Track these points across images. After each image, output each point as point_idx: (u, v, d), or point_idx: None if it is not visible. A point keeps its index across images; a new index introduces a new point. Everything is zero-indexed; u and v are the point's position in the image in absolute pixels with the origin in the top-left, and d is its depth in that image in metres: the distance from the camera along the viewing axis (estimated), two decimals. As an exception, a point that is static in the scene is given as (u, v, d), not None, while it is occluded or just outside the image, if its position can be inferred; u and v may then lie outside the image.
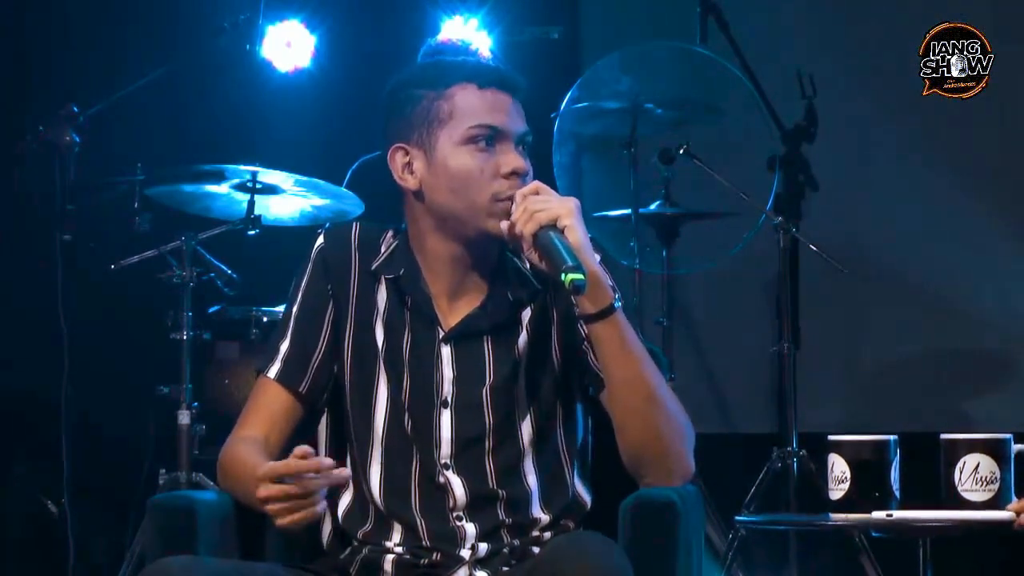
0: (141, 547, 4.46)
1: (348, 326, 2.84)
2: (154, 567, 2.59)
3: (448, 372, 2.80)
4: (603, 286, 2.70)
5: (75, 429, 4.84)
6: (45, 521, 4.93)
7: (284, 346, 2.86)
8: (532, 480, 2.80)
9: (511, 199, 2.74)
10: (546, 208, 2.68)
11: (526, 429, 2.80)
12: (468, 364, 2.80)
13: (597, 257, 2.78)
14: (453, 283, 2.82)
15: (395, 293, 2.83)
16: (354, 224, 2.91)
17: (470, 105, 2.76)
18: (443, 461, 2.78)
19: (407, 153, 2.82)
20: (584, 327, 2.76)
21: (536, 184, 2.74)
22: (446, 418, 2.79)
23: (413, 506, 2.78)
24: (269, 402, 2.83)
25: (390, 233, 2.89)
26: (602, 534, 2.67)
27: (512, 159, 2.76)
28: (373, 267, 2.85)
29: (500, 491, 2.77)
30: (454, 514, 2.77)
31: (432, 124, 2.78)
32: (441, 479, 2.77)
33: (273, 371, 2.84)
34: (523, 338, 2.82)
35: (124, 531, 4.77)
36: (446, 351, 2.81)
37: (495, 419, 2.79)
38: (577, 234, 2.67)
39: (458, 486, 2.77)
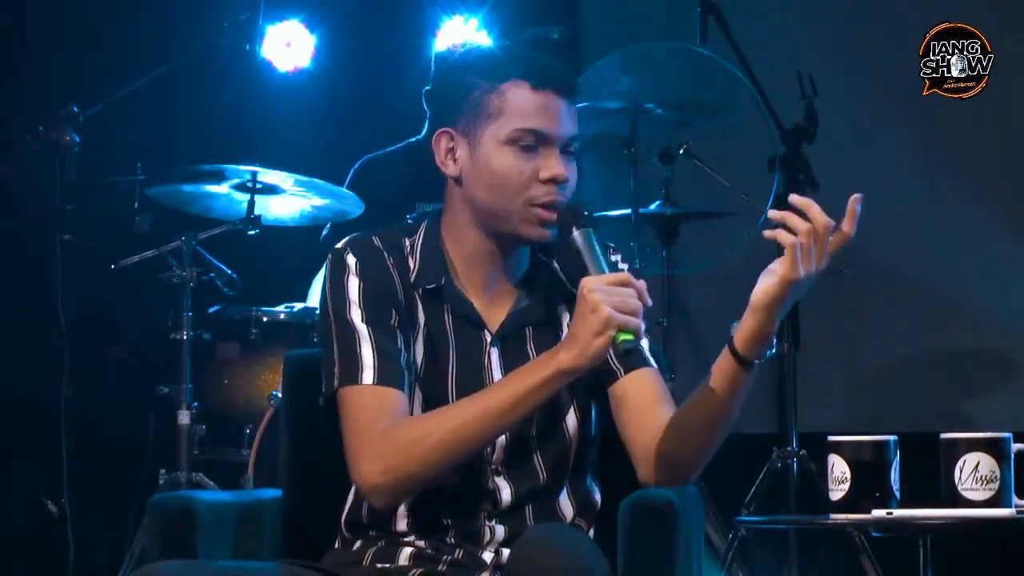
0: (141, 547, 4.46)
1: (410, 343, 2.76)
2: (150, 569, 2.54)
3: (498, 375, 2.74)
4: (769, 342, 2.62)
5: (75, 429, 4.85)
6: (45, 521, 4.94)
7: (367, 353, 2.68)
8: (566, 481, 2.77)
9: (545, 205, 2.69)
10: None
11: (571, 429, 2.77)
12: (516, 364, 2.72)
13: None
14: (488, 280, 2.77)
15: (434, 305, 2.76)
16: (373, 238, 2.80)
17: (521, 105, 2.70)
18: (494, 466, 2.73)
19: (452, 139, 2.75)
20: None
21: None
22: None
23: (443, 514, 2.72)
24: (387, 404, 2.67)
25: (406, 239, 2.80)
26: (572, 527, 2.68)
27: (553, 165, 2.70)
28: (412, 280, 2.77)
29: (545, 492, 2.73)
30: (487, 516, 2.72)
31: (480, 116, 2.72)
32: (490, 484, 2.73)
33: (368, 378, 2.67)
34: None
35: (124, 531, 4.77)
36: (495, 353, 2.76)
37: (542, 419, 2.74)
38: None
39: (506, 491, 2.73)
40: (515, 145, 2.70)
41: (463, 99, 2.74)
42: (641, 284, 2.58)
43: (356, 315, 2.71)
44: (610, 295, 2.55)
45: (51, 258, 4.81)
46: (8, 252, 5.28)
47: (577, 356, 2.57)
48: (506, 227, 2.72)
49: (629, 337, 2.55)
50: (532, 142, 2.70)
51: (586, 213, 2.67)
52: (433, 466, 2.63)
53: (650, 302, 2.59)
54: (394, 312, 2.73)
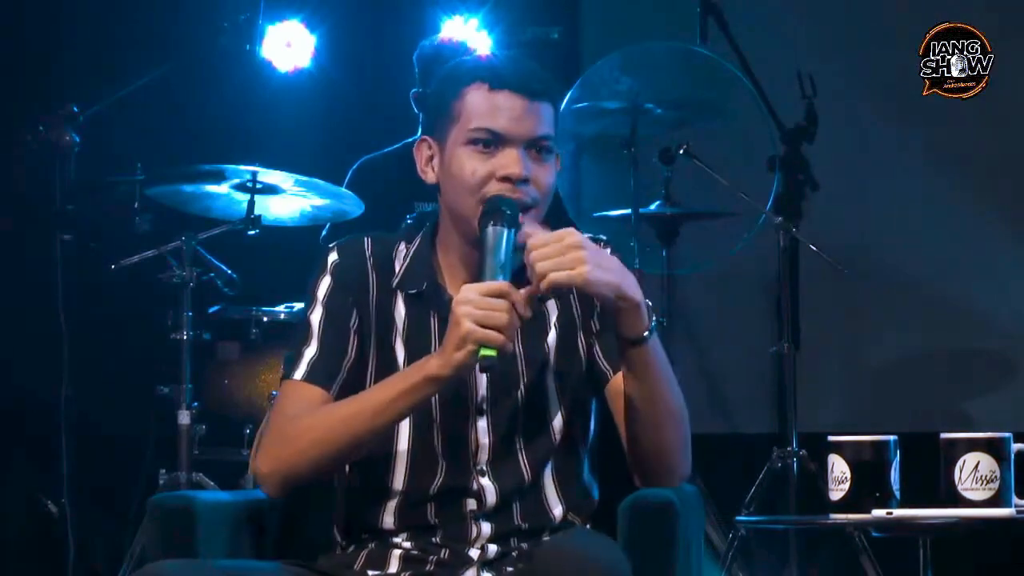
0: (141, 547, 4.47)
1: (371, 345, 2.78)
2: (150, 569, 2.54)
3: (483, 376, 2.73)
4: (643, 314, 2.63)
5: (75, 429, 4.85)
6: (45, 521, 4.94)
7: (309, 351, 2.77)
8: (552, 479, 2.78)
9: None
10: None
11: (557, 427, 2.77)
12: (502, 365, 2.70)
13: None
14: (476, 281, 2.72)
15: (417, 307, 2.78)
16: (365, 239, 2.83)
17: (478, 106, 2.72)
18: (479, 467, 2.74)
19: (430, 147, 2.79)
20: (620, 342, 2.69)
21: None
22: (483, 424, 2.74)
23: (429, 515, 2.74)
24: (302, 398, 2.74)
25: (402, 244, 2.82)
26: (602, 533, 2.66)
27: (508, 163, 2.70)
28: (393, 284, 2.79)
29: (531, 490, 2.74)
30: (474, 516, 2.73)
31: (446, 122, 2.75)
32: (475, 485, 2.73)
33: (299, 373, 2.75)
34: (552, 336, 2.78)
35: (124, 531, 4.78)
36: None
37: (527, 418, 2.75)
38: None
39: (491, 492, 2.73)
40: (474, 146, 2.72)
41: (435, 107, 2.79)
42: (519, 296, 2.56)
43: (316, 314, 2.78)
44: (477, 307, 2.55)
45: (51, 258, 4.81)
46: (8, 252, 5.28)
47: (442, 366, 2.59)
48: (468, 229, 2.73)
49: (490, 353, 2.53)
50: (490, 142, 2.71)
51: (507, 212, 2.66)
52: (312, 460, 2.69)
53: (528, 314, 2.58)
54: (355, 314, 2.77)
